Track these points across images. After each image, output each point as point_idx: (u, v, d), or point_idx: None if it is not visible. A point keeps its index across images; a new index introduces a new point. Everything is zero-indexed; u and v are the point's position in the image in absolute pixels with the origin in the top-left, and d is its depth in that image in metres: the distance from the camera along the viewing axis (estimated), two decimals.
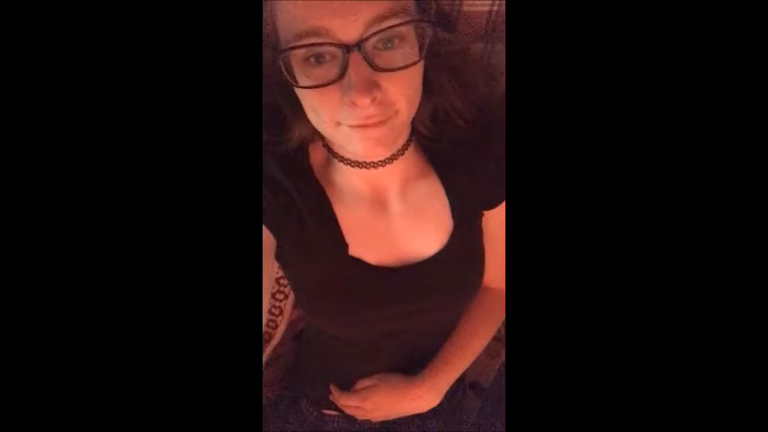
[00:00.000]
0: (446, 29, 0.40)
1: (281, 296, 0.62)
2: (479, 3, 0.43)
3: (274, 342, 0.64)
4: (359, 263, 0.46)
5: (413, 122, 0.43)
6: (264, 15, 0.35)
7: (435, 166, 0.47)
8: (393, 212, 0.47)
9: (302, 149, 0.46)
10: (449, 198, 0.47)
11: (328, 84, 0.34)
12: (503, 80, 0.46)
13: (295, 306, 0.65)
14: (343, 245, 0.46)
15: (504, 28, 0.45)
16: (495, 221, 0.49)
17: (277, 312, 0.63)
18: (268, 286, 0.41)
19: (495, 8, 0.44)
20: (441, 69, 0.41)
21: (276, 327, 0.63)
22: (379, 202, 0.47)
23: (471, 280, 0.51)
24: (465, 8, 0.43)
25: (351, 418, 0.59)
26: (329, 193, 0.45)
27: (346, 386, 0.58)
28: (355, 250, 0.46)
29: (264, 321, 0.63)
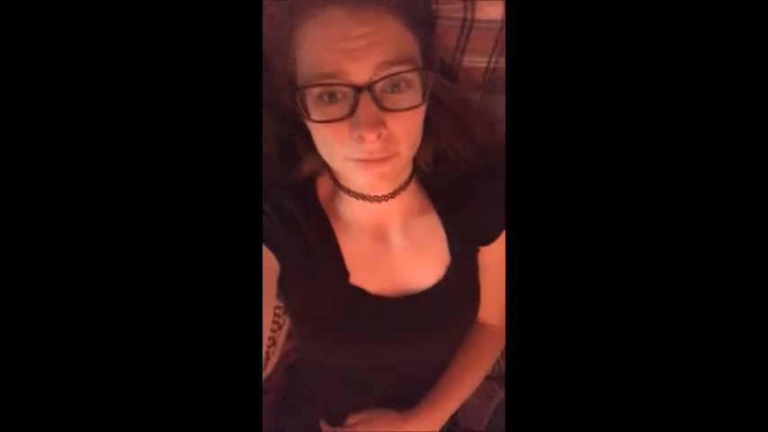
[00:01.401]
0: (448, 78, 0.44)
1: (275, 326, 0.63)
2: (478, 60, 0.48)
3: (266, 373, 0.64)
4: (359, 291, 0.48)
5: (415, 160, 0.47)
6: (285, 58, 0.40)
7: (435, 203, 0.50)
8: (394, 245, 0.49)
9: (311, 181, 0.49)
10: (446, 233, 0.50)
11: (339, 119, 0.37)
12: (500, 127, 0.51)
13: (288, 337, 0.65)
14: (345, 273, 0.48)
15: (500, 81, 0.50)
16: (491, 257, 0.51)
17: (270, 343, 0.63)
18: (270, 309, 0.42)
19: (493, 64, 0.49)
20: (443, 114, 0.46)
21: (268, 358, 0.63)
22: (380, 235, 0.49)
23: (465, 313, 0.52)
24: (465, 64, 0.48)
25: None
26: (334, 224, 0.48)
27: (337, 421, 0.58)
28: (356, 279, 0.48)
29: None
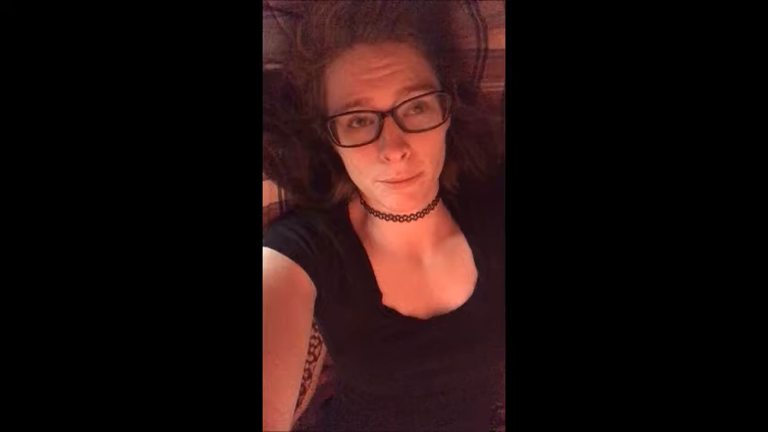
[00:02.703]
0: (467, 102, 0.48)
1: (311, 357, 0.63)
2: (495, 84, 0.52)
3: (302, 408, 0.63)
4: (391, 312, 0.49)
5: (441, 181, 0.49)
6: (316, 92, 0.44)
7: (460, 221, 0.52)
8: (426, 265, 0.50)
9: (343, 206, 0.52)
10: (473, 250, 0.51)
11: (366, 143, 0.41)
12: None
13: (324, 370, 0.65)
14: (378, 294, 0.49)
15: None
16: None
17: (306, 375, 0.63)
18: (307, 333, 0.43)
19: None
20: (465, 136, 0.49)
21: (304, 392, 0.63)
22: (412, 255, 0.51)
23: (497, 330, 0.52)
24: (483, 89, 0.52)
25: None
26: (366, 246, 0.50)
27: None
28: (389, 300, 0.49)
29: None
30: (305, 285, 0.45)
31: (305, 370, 0.63)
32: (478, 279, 0.50)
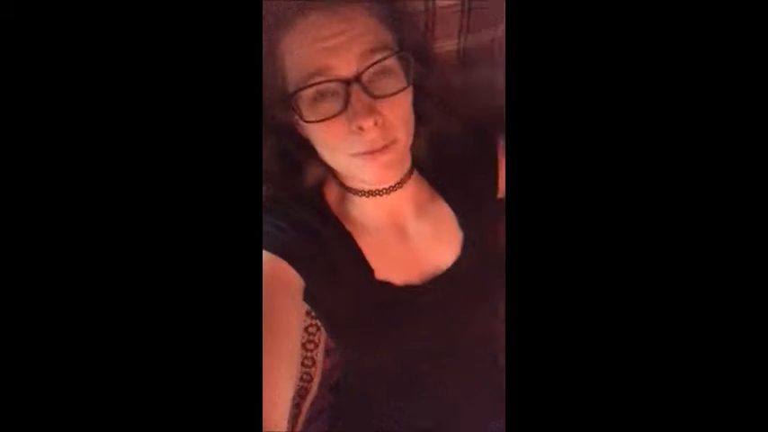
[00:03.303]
0: (424, 64, 0.47)
1: (312, 345, 0.63)
2: (448, 43, 0.51)
3: (312, 395, 0.63)
4: (387, 285, 0.49)
5: (412, 150, 0.49)
6: (272, 71, 0.42)
7: (438, 186, 0.52)
8: (411, 234, 0.51)
9: (318, 190, 0.51)
10: (454, 212, 0.51)
11: (336, 115, 0.39)
12: (480, 97, 0.53)
13: (327, 355, 0.65)
14: (370, 270, 0.49)
15: (472, 57, 0.53)
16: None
17: (310, 363, 0.63)
18: (300, 325, 0.43)
19: (462, 45, 0.52)
20: (428, 101, 0.48)
21: (311, 379, 0.63)
22: (396, 226, 0.50)
23: (491, 284, 0.53)
24: (437, 50, 0.51)
25: None
26: (348, 226, 0.49)
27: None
28: (381, 274, 0.49)
29: (299, 375, 0.63)
30: (290, 277, 0.45)
31: (308, 358, 0.63)
32: (464, 239, 0.51)
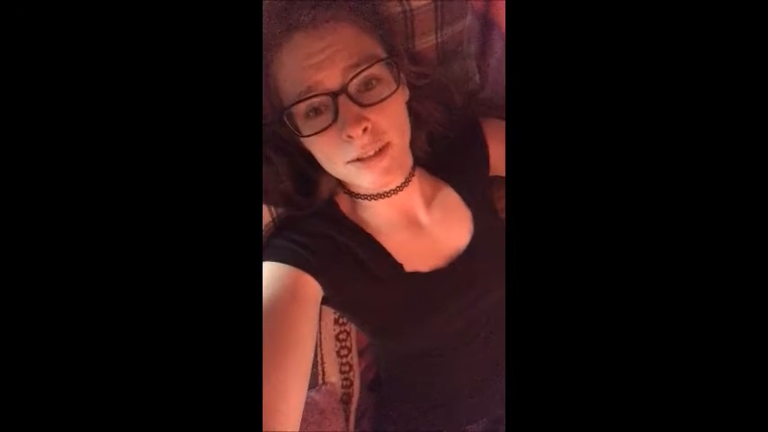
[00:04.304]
0: (413, 63, 0.49)
1: (345, 351, 0.65)
2: (427, 39, 0.54)
3: (356, 399, 0.65)
4: (417, 275, 0.52)
5: (413, 150, 0.51)
6: (267, 89, 0.43)
7: (440, 174, 0.55)
8: (426, 225, 0.53)
9: (332, 201, 0.52)
10: (459, 194, 0.55)
11: (327, 127, 0.41)
12: (466, 84, 0.57)
13: (361, 355, 0.67)
14: (399, 266, 0.51)
15: (451, 49, 0.56)
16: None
17: (347, 369, 0.65)
18: (311, 336, 0.45)
19: (440, 39, 0.55)
20: (425, 101, 0.51)
21: (352, 383, 0.65)
22: (410, 221, 0.53)
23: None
24: (418, 47, 0.53)
25: None
26: (368, 230, 0.51)
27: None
28: (410, 267, 0.51)
29: (339, 382, 0.64)
30: (308, 289, 0.46)
31: (345, 364, 0.64)
32: (474, 216, 0.54)
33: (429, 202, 0.54)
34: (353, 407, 0.65)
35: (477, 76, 0.63)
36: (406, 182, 0.51)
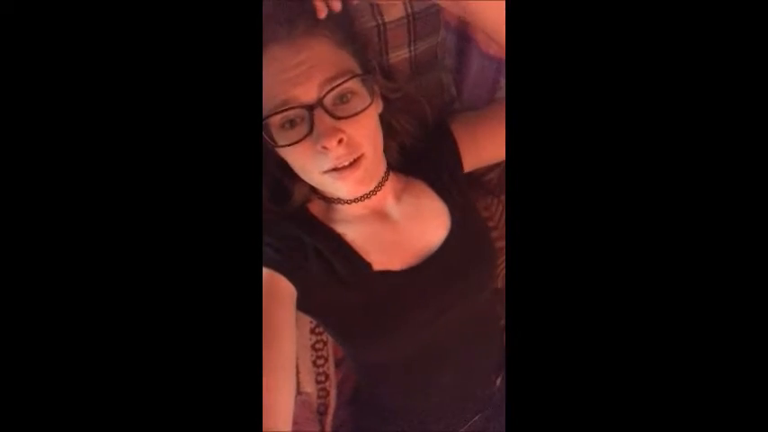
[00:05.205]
0: (386, 77, 0.51)
1: (322, 361, 0.64)
2: (401, 53, 0.55)
3: (332, 409, 0.64)
4: (387, 274, 0.51)
5: (386, 158, 0.52)
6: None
7: (413, 173, 0.56)
8: (396, 219, 0.53)
9: (303, 207, 0.53)
10: (434, 189, 0.55)
11: (302, 139, 0.42)
12: (439, 97, 0.58)
13: (337, 366, 0.67)
14: (366, 265, 0.51)
15: (424, 62, 0.58)
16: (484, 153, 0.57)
17: (323, 379, 0.64)
18: (291, 332, 0.45)
19: (413, 52, 0.57)
20: (398, 113, 0.52)
21: (328, 393, 0.64)
22: (380, 217, 0.53)
23: (487, 250, 0.57)
24: (392, 60, 0.55)
25: None
26: (338, 230, 0.52)
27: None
28: (379, 265, 0.51)
29: (315, 392, 0.64)
30: (282, 288, 0.46)
31: (321, 374, 0.64)
32: (450, 211, 0.54)
33: (399, 197, 0.54)
34: (329, 418, 0.64)
35: (453, 88, 0.64)
36: (378, 188, 0.51)
